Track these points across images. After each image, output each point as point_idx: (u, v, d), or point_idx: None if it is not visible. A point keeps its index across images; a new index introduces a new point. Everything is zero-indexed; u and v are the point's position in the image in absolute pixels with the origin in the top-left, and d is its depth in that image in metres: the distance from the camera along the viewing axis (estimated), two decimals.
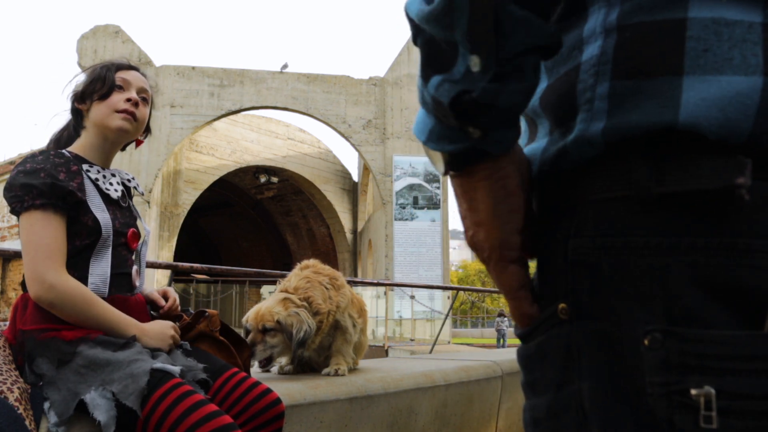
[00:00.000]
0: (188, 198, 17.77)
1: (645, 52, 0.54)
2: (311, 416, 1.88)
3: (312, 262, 2.27)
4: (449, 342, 15.40)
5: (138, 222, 1.61)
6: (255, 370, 2.19)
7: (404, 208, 16.45)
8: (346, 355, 2.26)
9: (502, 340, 18.34)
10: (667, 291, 0.51)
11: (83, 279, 1.40)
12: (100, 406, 1.23)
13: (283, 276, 2.27)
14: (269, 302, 2.05)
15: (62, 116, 1.63)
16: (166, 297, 1.66)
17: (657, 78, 0.53)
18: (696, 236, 0.50)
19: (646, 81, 0.53)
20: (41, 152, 1.44)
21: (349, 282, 2.50)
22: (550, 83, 0.62)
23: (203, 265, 3.67)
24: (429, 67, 0.56)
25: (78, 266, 1.41)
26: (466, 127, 0.55)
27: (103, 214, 1.44)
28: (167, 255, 16.47)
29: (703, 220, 0.51)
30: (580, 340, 0.56)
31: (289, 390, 1.85)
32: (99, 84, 1.52)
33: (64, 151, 1.50)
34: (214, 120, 16.58)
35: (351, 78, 17.11)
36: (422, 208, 16.52)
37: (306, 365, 2.31)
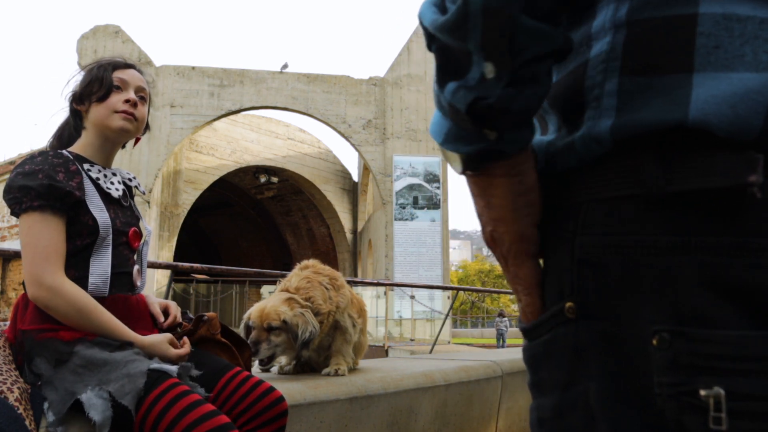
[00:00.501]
0: (188, 198, 17.76)
1: (655, 48, 0.53)
2: (311, 416, 1.88)
3: (312, 262, 2.26)
4: (449, 342, 15.40)
5: (140, 222, 1.61)
6: (255, 370, 2.19)
7: (404, 208, 16.44)
8: (346, 355, 2.26)
9: (501, 340, 18.33)
10: (676, 291, 0.50)
11: (84, 278, 1.40)
12: (96, 405, 1.23)
13: (283, 276, 2.27)
14: (273, 301, 2.04)
15: (61, 114, 1.62)
16: (167, 311, 1.64)
17: (666, 75, 0.52)
18: (706, 235, 0.50)
19: (655, 78, 0.53)
20: (40, 153, 1.44)
21: (349, 282, 2.50)
22: (558, 79, 0.61)
23: (203, 265, 3.67)
24: (444, 73, 0.57)
25: (79, 265, 1.40)
26: (482, 130, 0.56)
27: (101, 213, 1.44)
28: (167, 255, 16.46)
29: (714, 218, 0.50)
30: (587, 339, 0.55)
31: (289, 390, 1.85)
32: (96, 85, 1.52)
33: (64, 151, 1.50)
34: (214, 120, 16.57)
35: (351, 78, 17.10)
36: (422, 208, 16.51)
37: (306, 365, 2.31)
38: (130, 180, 1.62)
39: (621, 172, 0.55)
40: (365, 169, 19.58)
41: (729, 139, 0.49)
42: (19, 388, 1.24)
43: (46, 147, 1.61)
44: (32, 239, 1.35)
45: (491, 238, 0.64)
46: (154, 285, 14.27)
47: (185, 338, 1.51)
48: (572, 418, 0.57)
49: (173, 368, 1.33)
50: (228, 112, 16.46)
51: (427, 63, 17.13)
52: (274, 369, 2.30)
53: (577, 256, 0.56)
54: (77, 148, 1.54)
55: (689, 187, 0.51)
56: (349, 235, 21.13)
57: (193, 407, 1.25)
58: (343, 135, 16.85)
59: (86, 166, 1.49)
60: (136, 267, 1.54)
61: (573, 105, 0.59)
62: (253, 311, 2.04)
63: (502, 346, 16.91)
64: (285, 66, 16.89)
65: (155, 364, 1.31)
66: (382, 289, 13.85)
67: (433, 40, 0.57)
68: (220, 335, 1.65)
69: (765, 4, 0.51)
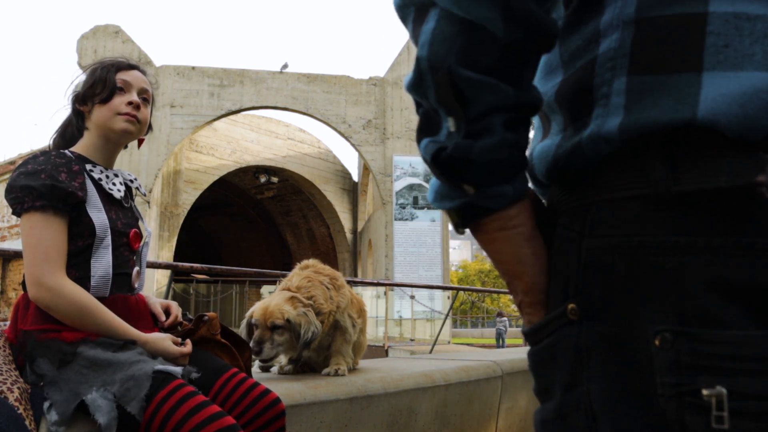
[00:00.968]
0: (188, 198, 17.76)
1: (664, 47, 0.53)
2: (311, 416, 1.88)
3: (312, 261, 2.27)
4: (449, 342, 15.39)
5: (140, 223, 1.61)
6: (254, 369, 2.19)
7: (404, 208, 16.44)
8: (346, 355, 2.26)
9: (501, 340, 18.33)
10: (682, 291, 0.50)
11: (85, 279, 1.40)
12: (101, 407, 1.23)
13: (284, 276, 2.27)
14: (277, 299, 2.04)
15: (63, 113, 1.62)
16: (168, 310, 1.64)
17: (676, 74, 0.52)
18: (713, 236, 0.50)
19: (664, 76, 0.52)
20: (43, 153, 1.44)
21: (349, 282, 2.50)
22: (565, 77, 0.61)
23: (203, 265, 3.67)
24: (421, 132, 0.61)
25: (80, 266, 1.41)
26: (459, 185, 0.59)
27: (99, 215, 1.43)
28: (167, 255, 16.46)
29: (721, 219, 0.50)
30: (589, 341, 0.55)
31: (289, 390, 1.85)
32: (100, 87, 1.52)
33: (66, 151, 1.50)
34: (214, 120, 16.57)
35: (351, 78, 17.10)
36: (422, 208, 16.51)
37: (305, 365, 2.31)
38: (131, 181, 1.62)
39: (628, 172, 0.54)
40: (365, 169, 19.57)
41: (738, 138, 0.49)
42: (19, 388, 1.24)
43: (48, 146, 1.61)
44: (34, 239, 1.35)
45: (510, 289, 0.65)
46: (154, 285, 14.27)
47: (188, 340, 1.51)
48: (574, 419, 0.56)
49: (178, 369, 1.33)
50: (228, 112, 16.45)
51: None
52: (274, 369, 2.30)
53: (584, 258, 0.56)
54: (79, 148, 1.54)
55: (697, 188, 0.50)
56: (349, 235, 21.13)
57: (199, 408, 1.26)
58: (343, 135, 16.85)
59: (88, 166, 1.50)
60: (135, 269, 1.54)
61: (581, 103, 0.59)
62: (256, 309, 2.03)
63: (502, 346, 16.90)
64: (285, 66, 16.88)
65: (160, 366, 1.31)
66: (382, 289, 13.84)
67: (419, 105, 0.61)
68: (220, 336, 1.66)
69: None
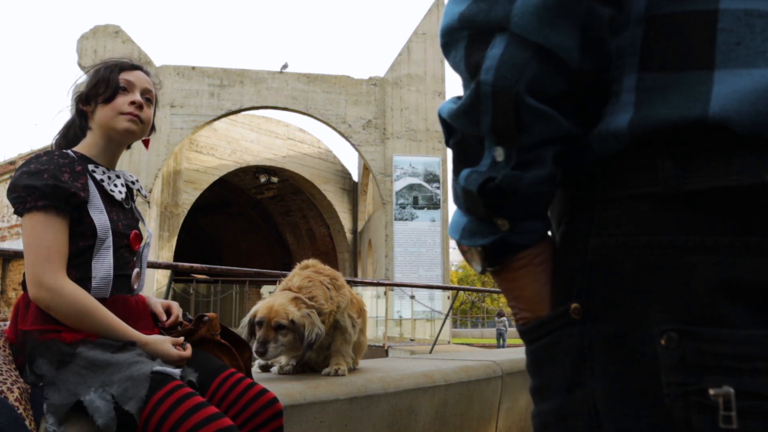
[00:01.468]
0: (188, 198, 17.76)
1: (674, 44, 0.52)
2: (311, 416, 1.88)
3: (312, 261, 2.26)
4: (449, 342, 15.40)
5: (140, 224, 1.61)
6: (254, 369, 2.19)
7: (404, 208, 16.44)
8: (346, 355, 2.26)
9: (501, 340, 18.32)
10: (689, 290, 0.49)
11: (86, 280, 1.40)
12: (99, 408, 1.22)
13: (284, 276, 2.27)
14: (281, 300, 2.03)
15: (65, 113, 1.62)
16: (169, 311, 1.64)
17: (687, 72, 0.52)
18: (722, 235, 0.49)
19: (675, 74, 0.52)
20: (45, 153, 1.44)
21: (349, 282, 2.50)
22: None
23: (203, 265, 3.67)
24: (459, 163, 0.59)
25: (81, 267, 1.40)
26: (494, 219, 0.58)
27: (101, 216, 1.43)
28: (167, 255, 16.46)
29: (730, 218, 0.49)
30: (593, 341, 0.54)
31: (289, 390, 1.85)
32: (103, 86, 1.52)
33: (69, 151, 1.50)
34: (214, 120, 16.57)
35: (351, 78, 17.10)
36: (422, 208, 16.51)
37: (305, 365, 2.31)
38: (132, 183, 1.62)
39: (637, 170, 0.54)
40: (365, 169, 19.58)
41: (748, 136, 0.49)
42: (19, 388, 1.24)
43: (51, 145, 1.61)
44: (35, 239, 1.35)
45: (523, 322, 0.64)
46: (154, 285, 14.27)
47: (188, 344, 1.51)
48: (576, 420, 0.56)
49: (176, 371, 1.33)
50: (228, 112, 16.46)
51: (426, 63, 17.13)
52: (274, 369, 2.30)
53: (589, 258, 0.56)
54: (82, 148, 1.54)
55: (706, 186, 0.50)
56: (349, 235, 21.13)
57: (197, 409, 1.25)
58: (343, 135, 16.85)
59: (91, 167, 1.49)
60: (135, 270, 1.54)
61: (590, 100, 0.58)
62: (260, 308, 2.02)
63: (502, 346, 16.90)
64: (285, 66, 16.88)
65: (158, 367, 1.31)
66: (382, 289, 13.84)
67: (451, 133, 0.60)
68: (220, 336, 1.65)
69: None
